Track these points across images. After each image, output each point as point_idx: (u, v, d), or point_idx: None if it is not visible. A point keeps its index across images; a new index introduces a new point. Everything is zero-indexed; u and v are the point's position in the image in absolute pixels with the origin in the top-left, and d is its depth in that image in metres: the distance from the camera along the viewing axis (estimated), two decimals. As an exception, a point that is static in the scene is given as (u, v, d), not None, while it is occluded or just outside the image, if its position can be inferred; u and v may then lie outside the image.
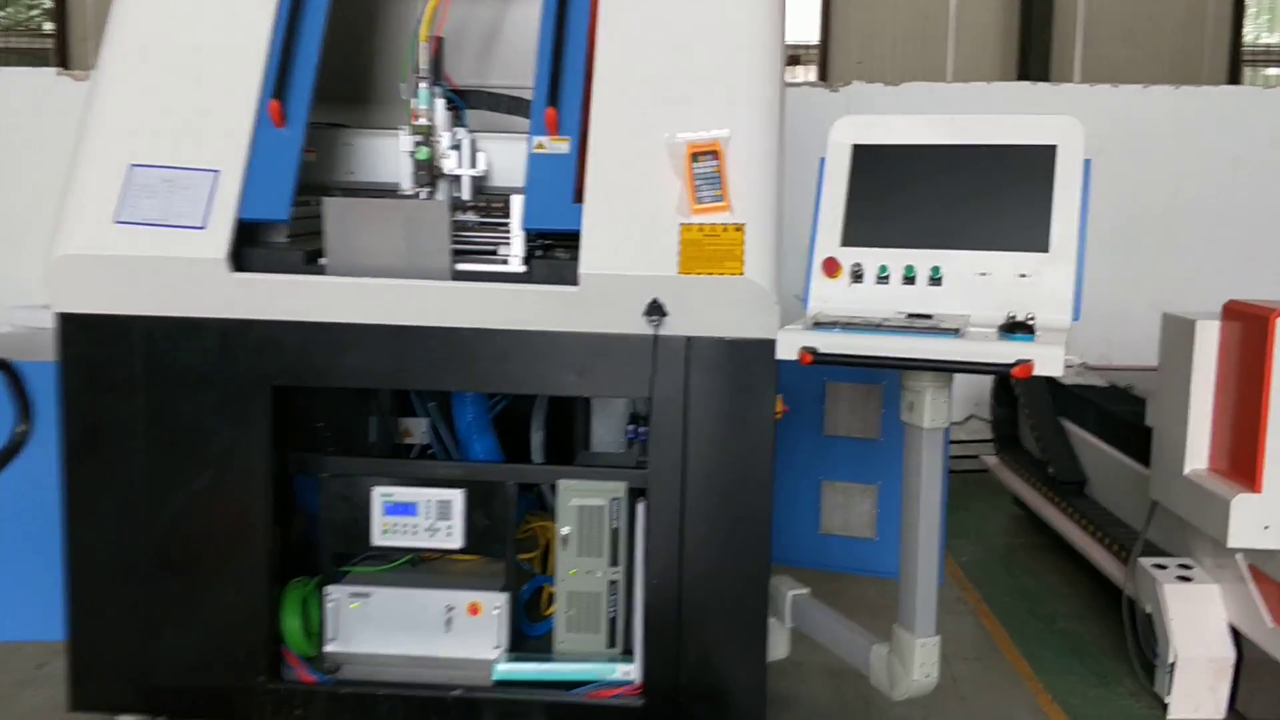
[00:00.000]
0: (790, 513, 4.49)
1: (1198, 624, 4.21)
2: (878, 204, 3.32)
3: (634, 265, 3.39)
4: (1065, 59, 11.91)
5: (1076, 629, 5.11)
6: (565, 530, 3.79)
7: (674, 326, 3.44)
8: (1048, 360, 2.81)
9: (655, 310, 3.40)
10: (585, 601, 3.81)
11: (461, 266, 3.55)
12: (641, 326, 3.43)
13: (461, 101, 3.92)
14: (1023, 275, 3.14)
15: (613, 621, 3.82)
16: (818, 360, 2.94)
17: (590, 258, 3.38)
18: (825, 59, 14.51)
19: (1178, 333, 4.29)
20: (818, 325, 3.04)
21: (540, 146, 3.56)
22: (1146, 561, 4.46)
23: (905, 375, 3.17)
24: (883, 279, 3.26)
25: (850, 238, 3.33)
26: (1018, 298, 3.12)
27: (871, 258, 3.28)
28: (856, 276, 3.28)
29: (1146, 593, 4.41)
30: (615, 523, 3.77)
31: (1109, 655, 4.81)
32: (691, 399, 3.51)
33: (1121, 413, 5.33)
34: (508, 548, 3.85)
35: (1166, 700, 4.23)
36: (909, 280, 3.23)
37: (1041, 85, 8.36)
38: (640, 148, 3.47)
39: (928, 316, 3.11)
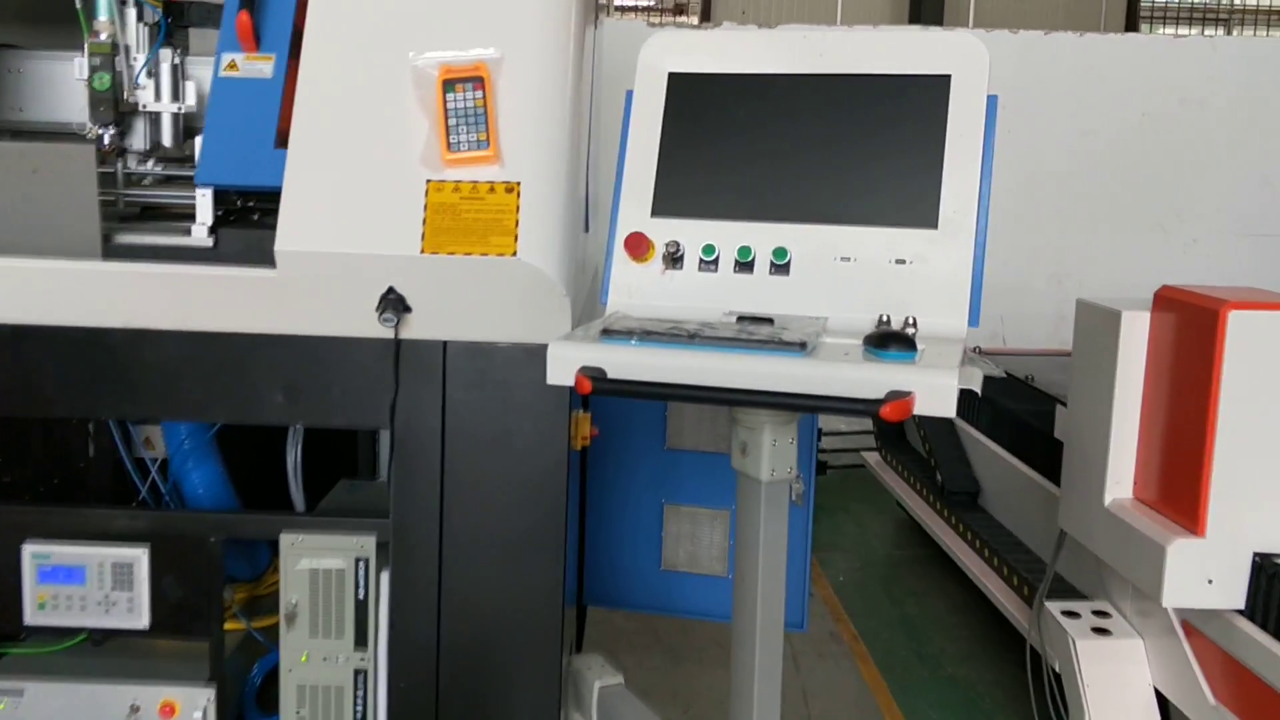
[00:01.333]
0: (627, 544, 3.60)
1: (1118, 689, 3.37)
2: (703, 158, 2.34)
3: (358, 239, 2.36)
4: (960, 8, 11.11)
5: (968, 675, 4.26)
6: (293, 600, 2.76)
7: (422, 327, 2.44)
8: (933, 394, 1.86)
9: (392, 304, 2.39)
10: (321, 698, 2.80)
11: (124, 239, 2.49)
12: (375, 327, 2.41)
13: (161, 12, 2.82)
14: (901, 261, 2.19)
15: (361, 721, 2.81)
16: (600, 390, 1.96)
17: (293, 228, 2.35)
18: (708, 7, 13.53)
19: (1097, 326, 3.41)
20: (607, 334, 2.05)
21: (231, 67, 2.50)
22: (1055, 607, 3.61)
23: (735, 409, 2.20)
24: (709, 264, 2.28)
25: (665, 205, 2.34)
26: (894, 293, 2.17)
27: (694, 233, 2.30)
28: (673, 260, 2.30)
29: (1055, 646, 3.57)
30: (362, 591, 2.76)
31: (1006, 712, 3.97)
32: (451, 427, 2.51)
33: (1023, 413, 4.48)
34: (212, 626, 2.80)
35: (1078, 785, 3.39)
36: (744, 266, 2.26)
37: (935, 30, 7.45)
38: (372, 71, 2.43)
39: (767, 321, 2.14)
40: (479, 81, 2.38)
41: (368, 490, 3.29)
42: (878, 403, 1.85)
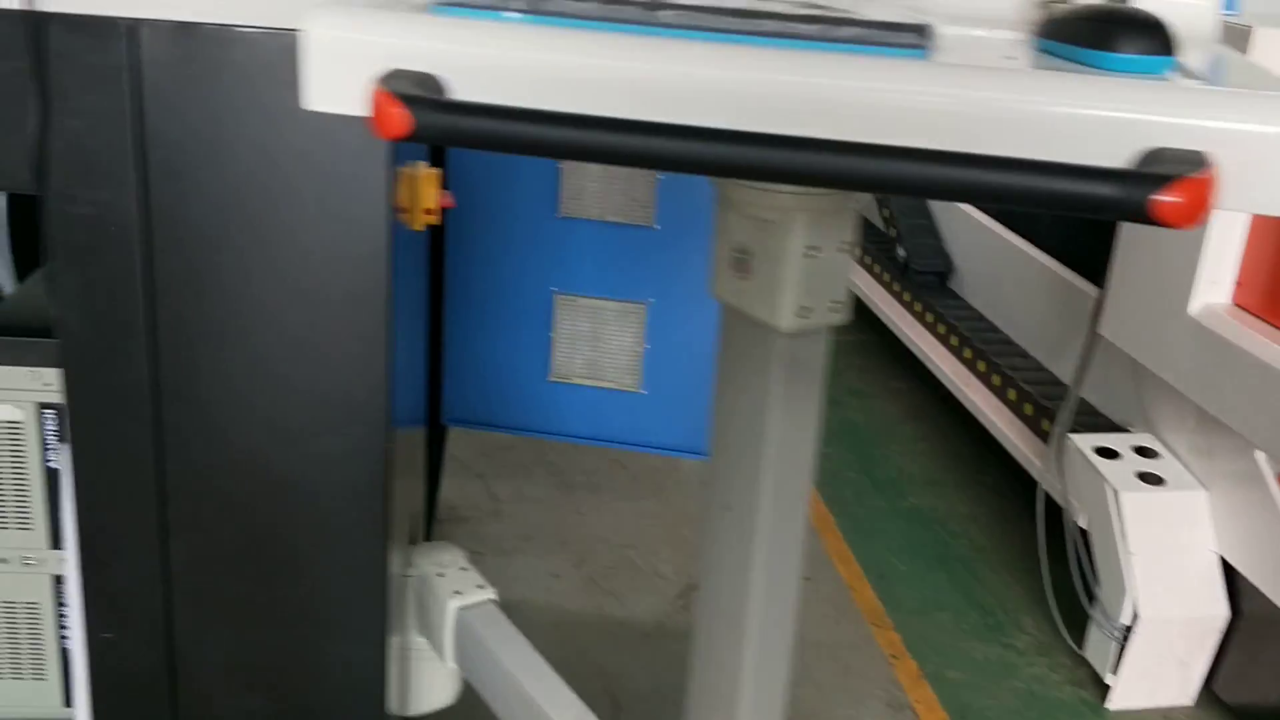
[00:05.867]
0: (502, 347, 2.58)
1: (1173, 561, 2.49)
2: None
3: None
4: None
5: (936, 508, 3.36)
6: None
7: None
8: (1257, 161, 0.76)
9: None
10: (2, 619, 1.77)
11: None
12: (-8, -11, 1.19)
13: None
14: None
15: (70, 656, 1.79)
16: (436, 131, 0.80)
17: None
18: None
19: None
20: (448, -4, 0.87)
21: None
22: (1083, 442, 2.68)
23: (724, 180, 1.05)
24: None
25: None
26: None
27: None
28: None
29: (1083, 494, 2.65)
30: (55, 458, 1.68)
31: (993, 558, 3.10)
32: (158, 185, 1.33)
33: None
34: None
35: (1106, 677, 2.55)
36: None
37: None
38: None
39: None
40: None
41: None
42: (1135, 182, 0.73)
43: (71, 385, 1.41)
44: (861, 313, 4.33)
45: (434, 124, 0.78)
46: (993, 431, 3.24)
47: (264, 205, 1.32)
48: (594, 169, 2.51)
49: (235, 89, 1.27)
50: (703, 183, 2.61)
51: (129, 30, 1.24)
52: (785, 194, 1.00)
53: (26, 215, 1.96)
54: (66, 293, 1.35)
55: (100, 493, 1.45)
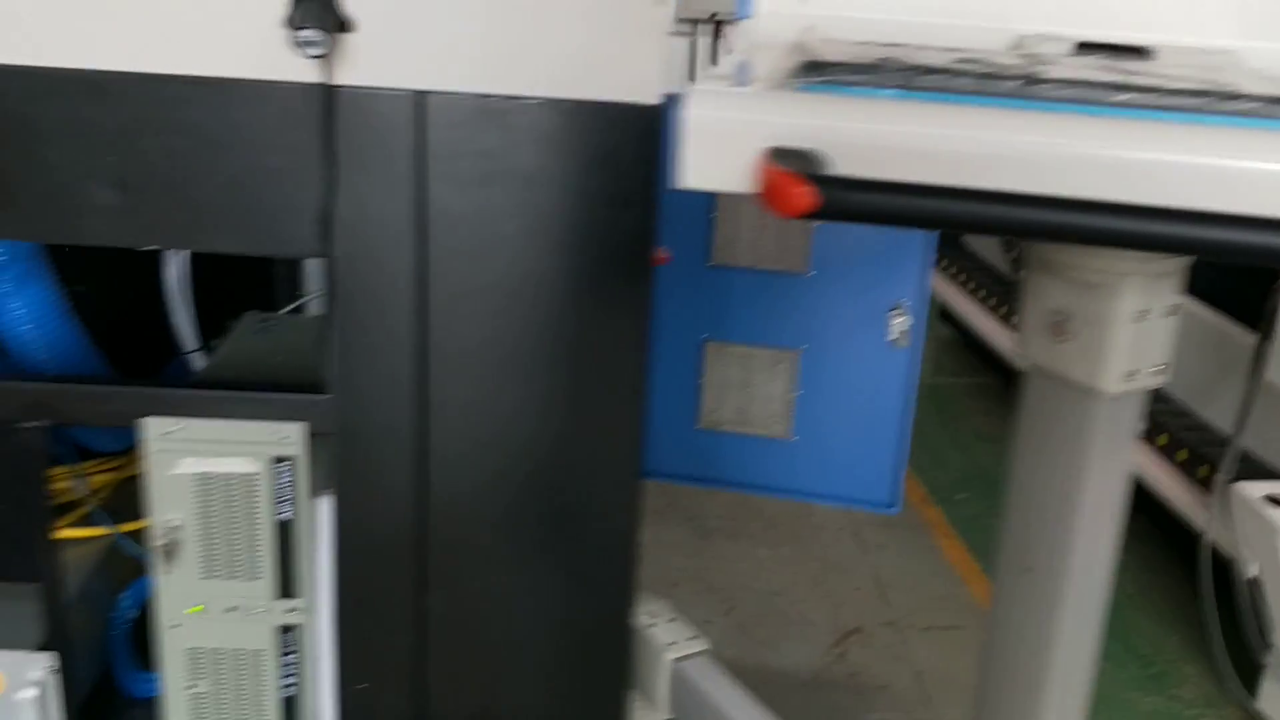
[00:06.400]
0: (653, 394, 2.58)
1: (1353, 612, 2.45)
2: None
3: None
4: None
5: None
6: (173, 523, 1.72)
7: (376, 64, 1.27)
8: None
9: (316, 9, 1.21)
10: (229, 667, 1.80)
11: None
12: (283, 62, 1.24)
13: None
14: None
15: (291, 704, 1.82)
16: (837, 208, 0.82)
17: None
18: None
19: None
20: (820, 70, 0.89)
21: None
22: (1250, 490, 2.64)
23: (1040, 244, 1.07)
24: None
25: None
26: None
27: None
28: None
29: (1252, 544, 2.61)
30: (286, 509, 1.71)
31: (1147, 608, 3.06)
32: (436, 250, 1.37)
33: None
34: (40, 559, 1.74)
35: (1281, 732, 2.50)
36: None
37: None
38: None
39: (1134, 51, 1.00)
40: None
41: (292, 332, 2.15)
42: None
43: (343, 440, 1.45)
44: (984, 356, 4.30)
45: (841, 201, 0.81)
46: (1139, 477, 3.19)
47: (532, 268, 1.36)
48: (747, 220, 2.53)
49: (511, 156, 1.31)
50: (857, 229, 2.60)
51: (416, 101, 1.29)
52: (1114, 257, 1.02)
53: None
54: (343, 351, 1.40)
55: (361, 545, 1.49)
